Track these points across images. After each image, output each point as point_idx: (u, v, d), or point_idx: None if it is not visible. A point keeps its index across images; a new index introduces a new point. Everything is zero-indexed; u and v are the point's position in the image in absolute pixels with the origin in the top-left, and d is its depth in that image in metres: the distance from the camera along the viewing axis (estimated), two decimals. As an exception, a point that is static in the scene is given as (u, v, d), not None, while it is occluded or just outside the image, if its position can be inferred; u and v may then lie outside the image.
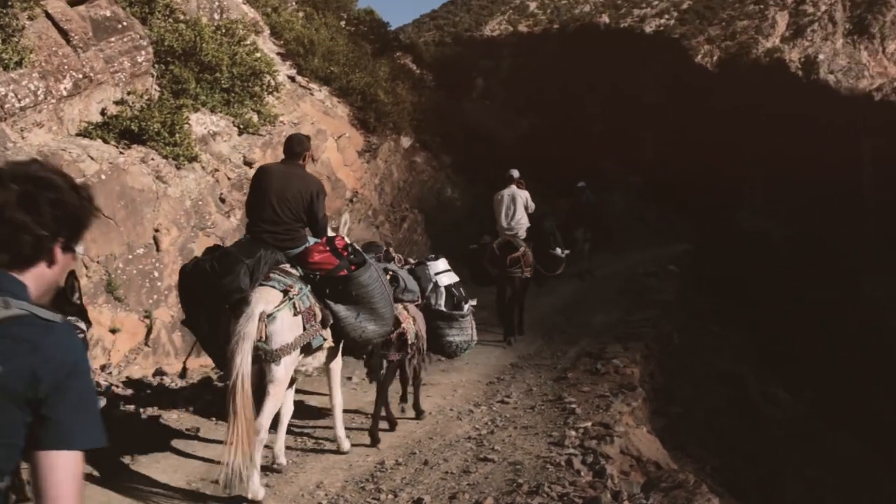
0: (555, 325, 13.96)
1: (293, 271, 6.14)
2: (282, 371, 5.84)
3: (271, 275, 6.00)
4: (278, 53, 17.18)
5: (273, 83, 14.65)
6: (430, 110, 22.59)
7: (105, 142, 10.58)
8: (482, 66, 51.13)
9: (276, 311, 5.77)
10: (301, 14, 20.58)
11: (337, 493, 6.23)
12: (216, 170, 12.14)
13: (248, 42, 14.81)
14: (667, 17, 66.36)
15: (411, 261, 8.41)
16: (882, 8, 65.24)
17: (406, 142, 19.35)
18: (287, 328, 5.82)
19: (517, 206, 12.29)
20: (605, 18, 65.77)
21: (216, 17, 15.34)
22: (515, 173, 12.70)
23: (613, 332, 13.01)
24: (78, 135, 10.48)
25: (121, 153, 10.62)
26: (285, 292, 5.90)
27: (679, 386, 12.65)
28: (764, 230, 36.85)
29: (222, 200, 11.97)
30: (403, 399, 8.39)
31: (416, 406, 8.35)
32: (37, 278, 2.05)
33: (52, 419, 1.90)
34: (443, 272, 8.41)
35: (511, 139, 31.79)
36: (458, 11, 72.84)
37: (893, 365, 26.55)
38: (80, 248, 2.17)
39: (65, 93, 10.44)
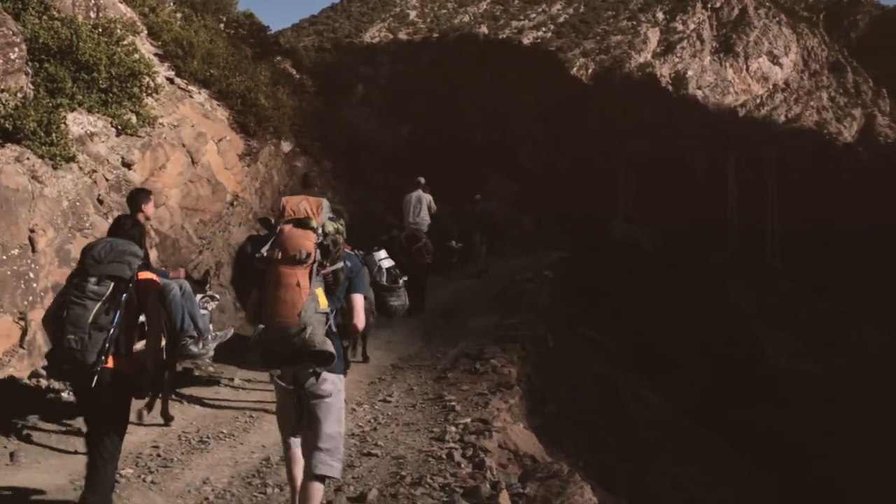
0: (434, 327, 14.24)
1: None
2: None
3: None
4: (156, 54, 16.91)
5: (152, 84, 14.44)
6: (310, 115, 22.57)
7: (-23, 140, 10.31)
8: (362, 72, 51.20)
9: None
10: (179, 15, 20.28)
11: (224, 488, 6.33)
12: (94, 171, 11.92)
13: (127, 42, 14.57)
14: (544, 29, 67.79)
15: (360, 252, 9.84)
16: (746, 28, 68.24)
17: (286, 146, 19.30)
18: None
19: (422, 206, 15.34)
20: (484, 29, 66.72)
21: (92, 15, 15.03)
22: (422, 180, 15.84)
23: (491, 334, 13.36)
24: (-52, 132, 10.18)
25: (-6, 152, 10.36)
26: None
27: (554, 386, 13.07)
28: (635, 239, 38.03)
29: (100, 202, 11.77)
30: (354, 349, 10.85)
31: (364, 353, 11.28)
32: None
33: (355, 283, 5.19)
34: (384, 258, 11.05)
35: (391, 146, 32.00)
36: (339, 17, 72.74)
37: (755, 369, 27.86)
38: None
39: (-66, 89, 10.13)
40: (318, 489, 4.99)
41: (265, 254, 4.96)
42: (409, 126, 38.72)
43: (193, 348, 7.66)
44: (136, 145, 13.20)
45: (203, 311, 8.23)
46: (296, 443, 5.26)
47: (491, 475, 6.79)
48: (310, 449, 5.03)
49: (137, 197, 7.71)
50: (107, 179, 12.21)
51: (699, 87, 63.39)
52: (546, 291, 18.58)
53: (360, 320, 5.21)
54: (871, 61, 72.59)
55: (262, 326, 4.89)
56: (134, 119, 13.50)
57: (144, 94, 14.13)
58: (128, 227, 5.86)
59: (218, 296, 8.75)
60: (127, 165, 12.84)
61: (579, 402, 13.87)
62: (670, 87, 62.46)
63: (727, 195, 54.04)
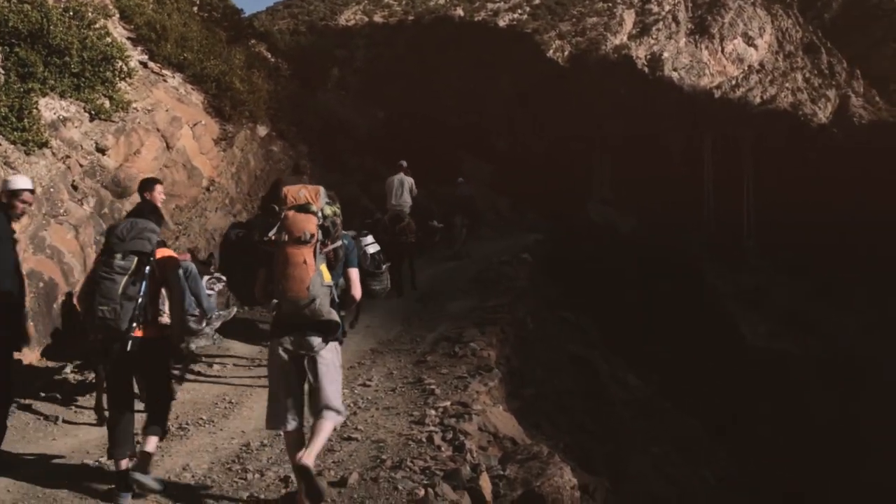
0: (413, 311, 14.21)
1: None
2: None
3: None
4: (129, 38, 16.73)
5: (125, 69, 14.29)
6: (286, 99, 22.42)
7: (-52, 126, 10.17)
8: (337, 55, 50.92)
9: None
10: (152, -2, 20.08)
11: (204, 474, 6.31)
12: (67, 156, 11.80)
13: (99, 25, 14.40)
14: (520, 11, 67.55)
15: (352, 233, 10.69)
16: (721, 10, 68.36)
17: (262, 130, 19.16)
18: None
19: (404, 189, 15.89)
20: (460, 11, 66.36)
21: (63, -2, 14.85)
22: (404, 163, 16.43)
23: (470, 317, 13.34)
24: (-82, 118, 10.02)
25: (-35, 138, 10.23)
26: None
27: (533, 368, 13.10)
28: (611, 221, 38.14)
29: (75, 188, 11.66)
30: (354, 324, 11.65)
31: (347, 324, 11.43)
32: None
33: (349, 258, 6.06)
34: (371, 244, 11.45)
35: (367, 129, 31.87)
36: (313, 0, 72.17)
37: (731, 347, 28.09)
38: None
39: None
40: (325, 427, 5.63)
41: (272, 237, 5.62)
42: (385, 109, 38.58)
43: (194, 325, 8.38)
44: (109, 130, 13.08)
45: (209, 292, 8.90)
46: (287, 412, 5.70)
47: (471, 458, 6.81)
48: (318, 406, 5.66)
49: (141, 185, 8.28)
50: (81, 165, 12.09)
51: (675, 69, 63.46)
52: (524, 274, 18.60)
53: (356, 291, 6.11)
54: (845, 42, 72.96)
55: (275, 301, 5.66)
56: (107, 104, 13.35)
57: (117, 79, 13.98)
58: (146, 211, 6.49)
59: (224, 277, 9.48)
60: (101, 151, 12.72)
61: (558, 383, 13.92)
62: (646, 69, 62.50)
63: (703, 176, 54.25)
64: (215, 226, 14.85)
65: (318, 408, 5.65)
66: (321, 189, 5.89)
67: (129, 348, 5.74)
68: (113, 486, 5.88)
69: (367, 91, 44.48)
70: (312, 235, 5.56)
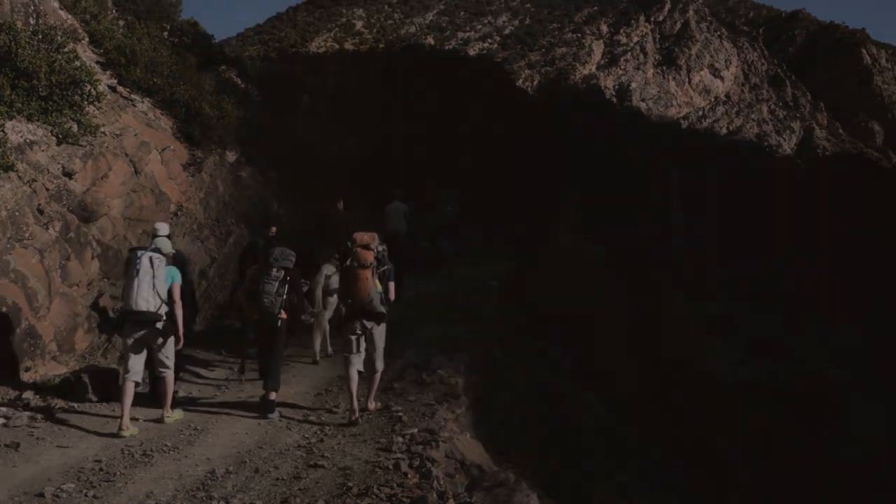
0: (381, 338, 14.17)
1: None
2: (334, 299, 11.90)
3: (331, 259, 12.24)
4: (98, 62, 16.67)
5: (94, 93, 14.22)
6: (255, 125, 22.40)
7: (-88, 148, 10.06)
8: (308, 82, 50.85)
9: (333, 274, 12.03)
10: (122, 23, 20.04)
11: (168, 501, 6.24)
12: (34, 180, 11.71)
13: (68, 49, 14.34)
14: (489, 41, 68.10)
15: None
16: (688, 42, 69.31)
17: (232, 156, 19.13)
18: (336, 282, 11.50)
19: (399, 213, 18.23)
20: (431, 40, 66.77)
21: (32, 21, 14.78)
22: (399, 192, 18.87)
23: (438, 344, 13.32)
24: None
25: (-70, 160, 10.12)
26: (337, 267, 11.59)
27: (500, 395, 13.10)
28: (580, 247, 38.22)
29: (41, 212, 11.56)
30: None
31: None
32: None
33: (388, 275, 9.49)
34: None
35: (337, 155, 31.86)
36: (284, 27, 72.27)
37: (696, 374, 28.21)
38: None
39: None
40: (378, 378, 9.52)
41: (347, 263, 9.10)
42: (355, 136, 38.59)
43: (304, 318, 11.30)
44: (77, 154, 13.00)
45: None
46: (355, 360, 9.25)
47: (438, 485, 6.79)
48: (373, 358, 9.29)
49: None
50: (47, 189, 12.00)
51: (643, 99, 64.12)
52: (492, 301, 18.62)
53: (392, 295, 9.40)
54: (809, 75, 74.24)
55: (349, 301, 9.06)
56: (75, 128, 13.28)
57: (86, 103, 13.92)
58: (284, 243, 10.13)
59: (309, 282, 11.92)
60: (68, 175, 12.64)
61: (525, 410, 13.92)
62: (614, 99, 63.08)
63: (670, 205, 54.63)
64: (182, 251, 14.76)
65: (371, 362, 9.26)
66: (376, 234, 9.30)
67: (278, 324, 9.47)
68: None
69: (338, 117, 44.42)
70: (371, 263, 9.00)
